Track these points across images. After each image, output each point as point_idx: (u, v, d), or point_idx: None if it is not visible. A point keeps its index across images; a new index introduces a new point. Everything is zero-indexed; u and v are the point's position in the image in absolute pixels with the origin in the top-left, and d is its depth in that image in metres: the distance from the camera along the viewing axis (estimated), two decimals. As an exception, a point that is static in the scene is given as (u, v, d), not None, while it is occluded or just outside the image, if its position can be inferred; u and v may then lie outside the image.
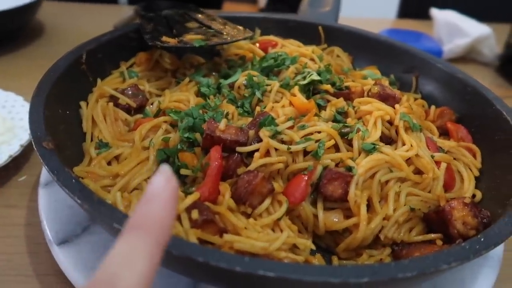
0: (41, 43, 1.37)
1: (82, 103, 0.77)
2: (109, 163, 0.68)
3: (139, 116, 0.79)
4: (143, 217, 0.33)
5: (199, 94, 0.83)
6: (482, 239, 0.51)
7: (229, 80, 0.84)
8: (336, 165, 0.66)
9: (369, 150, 0.67)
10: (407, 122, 0.74)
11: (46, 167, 0.54)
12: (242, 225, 0.58)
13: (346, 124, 0.72)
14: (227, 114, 0.73)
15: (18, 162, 0.85)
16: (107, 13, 1.60)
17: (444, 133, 0.84)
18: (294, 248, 0.60)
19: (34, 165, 0.86)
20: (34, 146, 0.57)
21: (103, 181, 0.64)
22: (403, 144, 0.72)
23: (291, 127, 0.68)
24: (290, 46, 0.96)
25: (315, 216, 0.64)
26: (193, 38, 0.85)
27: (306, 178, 0.64)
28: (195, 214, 0.55)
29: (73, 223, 0.67)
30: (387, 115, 0.74)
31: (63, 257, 0.62)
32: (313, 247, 0.61)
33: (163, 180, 0.35)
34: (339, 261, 0.64)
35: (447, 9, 1.56)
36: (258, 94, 0.79)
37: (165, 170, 0.36)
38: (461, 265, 0.48)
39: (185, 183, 0.66)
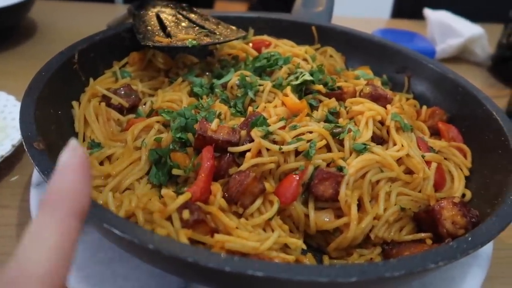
0: (34, 42, 1.36)
1: (74, 103, 0.77)
2: (101, 163, 0.68)
3: (131, 116, 0.79)
4: (53, 193, 0.33)
5: (192, 94, 0.83)
6: (469, 239, 0.52)
7: (222, 80, 0.84)
8: (328, 165, 0.67)
9: (360, 150, 0.68)
10: (398, 122, 0.74)
11: (36, 167, 0.54)
12: (234, 225, 0.58)
13: (337, 124, 0.72)
14: (220, 114, 0.73)
15: (10, 162, 0.85)
16: (100, 12, 1.60)
17: (435, 133, 0.85)
18: (285, 247, 0.61)
19: (26, 165, 0.86)
20: (24, 147, 0.57)
21: (95, 181, 0.64)
22: (394, 144, 0.72)
23: (283, 127, 0.68)
24: (284, 46, 0.96)
25: (306, 216, 0.64)
26: (186, 38, 0.85)
27: (297, 178, 0.64)
28: (186, 214, 0.55)
29: (65, 223, 0.67)
30: (379, 115, 0.75)
31: (55, 257, 0.62)
32: (304, 247, 0.62)
33: (69, 152, 0.34)
34: (330, 261, 0.65)
35: (440, 10, 1.57)
36: (250, 94, 0.79)
37: (71, 143, 0.35)
38: (448, 264, 0.48)
39: (177, 183, 0.66)
